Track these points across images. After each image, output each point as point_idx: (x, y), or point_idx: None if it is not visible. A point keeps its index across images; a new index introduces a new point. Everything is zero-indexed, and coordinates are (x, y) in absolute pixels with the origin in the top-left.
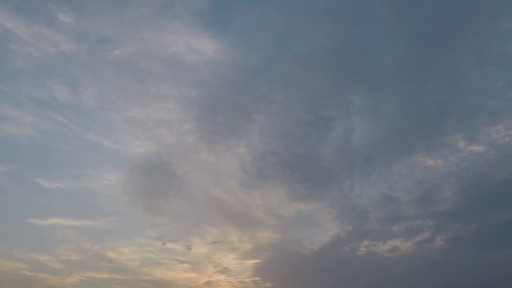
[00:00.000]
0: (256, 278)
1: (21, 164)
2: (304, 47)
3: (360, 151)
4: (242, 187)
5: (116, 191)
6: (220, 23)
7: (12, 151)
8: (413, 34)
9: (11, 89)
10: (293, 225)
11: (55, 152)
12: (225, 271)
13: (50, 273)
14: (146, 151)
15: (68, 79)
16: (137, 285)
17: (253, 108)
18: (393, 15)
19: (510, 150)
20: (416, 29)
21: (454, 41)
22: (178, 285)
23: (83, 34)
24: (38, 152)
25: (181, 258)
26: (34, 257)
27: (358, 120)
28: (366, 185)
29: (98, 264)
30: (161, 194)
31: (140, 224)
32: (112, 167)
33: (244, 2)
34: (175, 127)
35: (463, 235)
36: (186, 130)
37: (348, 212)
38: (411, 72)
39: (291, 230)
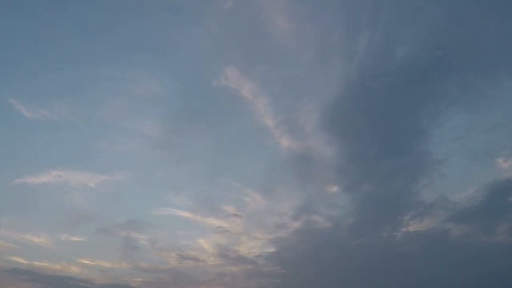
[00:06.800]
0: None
1: None
2: None
3: None
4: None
5: (140, 125)
6: None
7: None
8: None
9: None
10: None
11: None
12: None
13: (48, 260)
14: None
15: None
16: (152, 276)
17: None
18: None
19: None
20: None
21: None
22: (194, 277)
23: None
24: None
25: (210, 239)
26: (28, 239)
27: None
28: None
29: (107, 248)
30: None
31: (166, 180)
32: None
33: None
34: None
35: None
36: None
37: None
38: None
39: None
